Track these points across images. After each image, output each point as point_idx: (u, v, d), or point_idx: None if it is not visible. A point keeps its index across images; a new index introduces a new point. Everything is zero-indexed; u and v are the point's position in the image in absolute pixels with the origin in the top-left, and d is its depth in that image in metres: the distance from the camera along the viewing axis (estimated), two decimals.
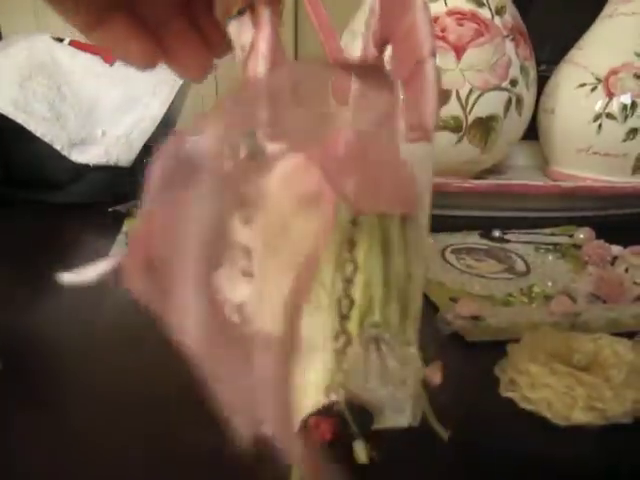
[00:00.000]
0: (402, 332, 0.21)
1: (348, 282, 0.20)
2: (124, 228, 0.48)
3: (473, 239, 0.48)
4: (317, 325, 0.21)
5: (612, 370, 0.25)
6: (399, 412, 0.22)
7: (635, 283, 0.39)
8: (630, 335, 0.29)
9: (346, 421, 0.21)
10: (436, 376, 0.22)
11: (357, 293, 0.21)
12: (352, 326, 0.21)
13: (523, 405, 0.25)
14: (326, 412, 0.20)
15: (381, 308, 0.20)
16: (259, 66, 0.19)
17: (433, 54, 0.19)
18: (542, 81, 0.63)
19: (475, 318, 0.33)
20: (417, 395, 0.21)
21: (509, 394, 0.25)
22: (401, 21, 0.19)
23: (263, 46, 0.19)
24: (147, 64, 0.21)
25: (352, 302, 0.21)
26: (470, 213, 0.53)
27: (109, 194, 0.54)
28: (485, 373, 0.27)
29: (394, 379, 0.21)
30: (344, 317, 0.21)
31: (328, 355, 0.21)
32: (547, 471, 0.22)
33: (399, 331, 0.21)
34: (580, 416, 0.24)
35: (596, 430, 0.23)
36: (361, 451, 0.21)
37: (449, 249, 0.45)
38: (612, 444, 0.23)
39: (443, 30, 0.53)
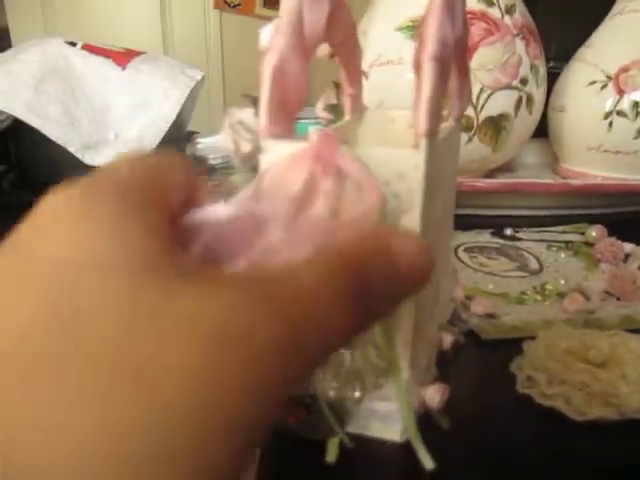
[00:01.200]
0: (385, 346, 0.21)
1: None
2: None
3: (485, 237, 0.48)
4: None
5: (627, 366, 0.26)
6: (389, 425, 0.23)
7: None
8: None
9: (317, 413, 0.21)
10: (434, 399, 0.23)
11: None
12: None
13: (541, 401, 0.25)
14: (295, 400, 0.21)
15: None
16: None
17: (435, 58, 0.18)
18: (551, 78, 0.63)
19: (490, 316, 0.33)
20: (407, 413, 0.21)
21: (527, 391, 0.26)
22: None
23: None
24: None
25: None
26: (481, 212, 0.53)
27: None
28: (501, 370, 0.27)
29: (366, 387, 0.21)
30: None
31: None
32: (564, 466, 0.22)
33: (380, 343, 0.21)
34: (597, 412, 0.24)
35: (613, 425, 0.24)
36: (333, 450, 0.21)
37: (462, 247, 0.45)
38: (629, 439, 0.24)
39: None
